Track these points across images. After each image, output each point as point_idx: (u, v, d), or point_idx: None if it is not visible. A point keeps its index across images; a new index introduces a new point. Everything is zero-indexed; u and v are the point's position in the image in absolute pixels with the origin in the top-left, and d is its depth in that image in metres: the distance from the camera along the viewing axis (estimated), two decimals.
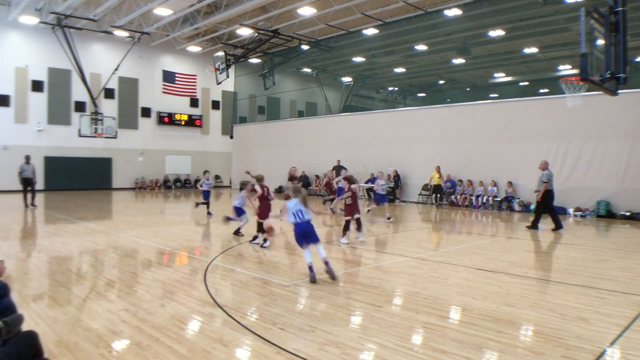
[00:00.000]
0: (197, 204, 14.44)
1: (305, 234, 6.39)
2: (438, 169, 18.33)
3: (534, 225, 11.82)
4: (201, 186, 14.17)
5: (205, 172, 14.49)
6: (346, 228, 9.42)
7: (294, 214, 6.39)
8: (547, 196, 11.51)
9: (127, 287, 6.02)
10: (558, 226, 11.45)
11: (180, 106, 29.69)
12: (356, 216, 9.48)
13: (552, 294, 5.84)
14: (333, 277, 6.31)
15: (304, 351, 3.98)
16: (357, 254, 8.69)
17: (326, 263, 6.36)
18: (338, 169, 22.19)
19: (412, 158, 20.23)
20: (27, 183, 16.41)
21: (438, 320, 4.82)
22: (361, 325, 4.70)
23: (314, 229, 6.49)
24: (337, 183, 15.07)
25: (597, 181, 15.07)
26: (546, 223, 11.97)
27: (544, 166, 11.64)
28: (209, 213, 14.03)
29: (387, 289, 6.19)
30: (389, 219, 13.28)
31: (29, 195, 16.41)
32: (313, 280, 6.17)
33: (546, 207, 11.72)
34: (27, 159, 16.86)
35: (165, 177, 28.97)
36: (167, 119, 28.89)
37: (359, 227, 9.67)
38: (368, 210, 14.90)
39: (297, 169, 14.58)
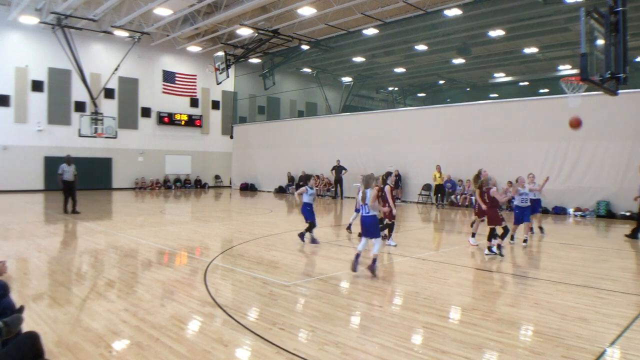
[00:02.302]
0: (313, 238, 9.38)
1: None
2: (439, 169, 18.36)
3: (633, 234, 10.45)
4: (301, 194, 9.42)
5: (309, 177, 10.07)
6: (492, 236, 8.29)
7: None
8: None
9: (127, 287, 6.02)
10: None
11: (180, 106, 29.69)
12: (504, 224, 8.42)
13: (552, 294, 5.84)
14: (373, 274, 6.66)
15: (304, 351, 3.98)
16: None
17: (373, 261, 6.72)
18: (338, 169, 22.25)
19: (412, 158, 20.22)
20: (68, 187, 14.53)
21: (438, 320, 4.82)
22: (361, 325, 4.70)
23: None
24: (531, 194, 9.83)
25: (597, 181, 15.07)
26: (547, 223, 11.95)
27: None
28: (301, 235, 9.49)
29: (387, 289, 6.19)
30: (525, 241, 9.60)
31: (70, 200, 14.57)
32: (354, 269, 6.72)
33: None
34: (69, 159, 14.74)
35: (165, 177, 28.98)
36: (167, 119, 28.89)
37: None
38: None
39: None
